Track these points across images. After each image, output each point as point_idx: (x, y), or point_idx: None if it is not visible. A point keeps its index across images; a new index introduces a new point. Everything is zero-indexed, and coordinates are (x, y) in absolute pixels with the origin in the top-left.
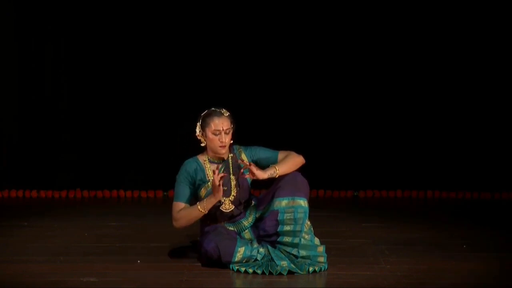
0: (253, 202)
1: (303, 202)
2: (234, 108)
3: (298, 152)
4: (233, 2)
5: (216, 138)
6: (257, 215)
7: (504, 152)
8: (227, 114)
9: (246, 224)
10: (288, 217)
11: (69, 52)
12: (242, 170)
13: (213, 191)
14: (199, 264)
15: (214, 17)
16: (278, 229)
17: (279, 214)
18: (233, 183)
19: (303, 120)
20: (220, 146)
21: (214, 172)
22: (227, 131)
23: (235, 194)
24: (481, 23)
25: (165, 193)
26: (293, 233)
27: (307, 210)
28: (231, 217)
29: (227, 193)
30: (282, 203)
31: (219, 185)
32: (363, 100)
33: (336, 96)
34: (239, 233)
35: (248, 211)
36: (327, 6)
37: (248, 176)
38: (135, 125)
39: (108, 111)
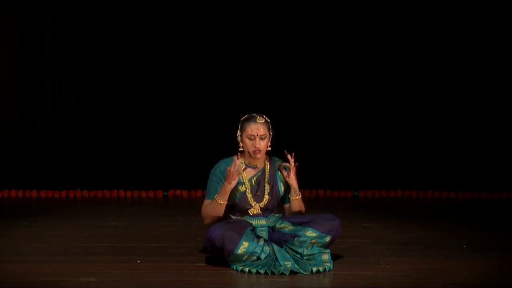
0: (277, 213)
1: (327, 239)
2: (234, 109)
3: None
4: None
5: (251, 142)
6: (278, 225)
7: (504, 152)
8: (262, 120)
9: (265, 223)
10: (308, 245)
11: (71, 52)
12: (284, 165)
13: (227, 177)
14: (199, 264)
15: (220, 21)
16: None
17: (301, 238)
18: (267, 191)
19: (303, 121)
20: (254, 151)
21: (235, 160)
22: (262, 137)
23: (266, 202)
24: (481, 23)
25: (165, 193)
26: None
27: (325, 244)
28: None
29: (259, 199)
30: (312, 234)
31: (236, 173)
32: (363, 101)
33: (336, 97)
34: (254, 228)
35: (271, 216)
36: (330, 10)
37: (285, 173)
38: (135, 125)
39: (108, 111)
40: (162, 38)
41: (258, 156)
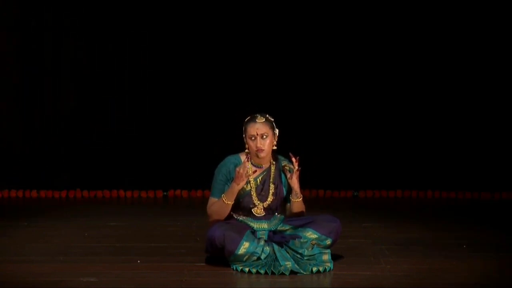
0: (279, 214)
1: (328, 241)
2: (234, 109)
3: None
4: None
5: (253, 143)
6: (280, 227)
7: (504, 152)
8: (262, 120)
9: (266, 227)
10: (309, 246)
11: (71, 52)
12: (289, 167)
13: (236, 178)
14: (199, 264)
15: (220, 22)
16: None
17: (302, 240)
18: (271, 191)
19: (303, 121)
20: (257, 150)
21: (245, 162)
22: (263, 136)
23: (270, 202)
24: (481, 23)
25: (165, 193)
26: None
27: (327, 246)
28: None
29: (263, 199)
30: (312, 235)
31: (245, 175)
32: (363, 101)
33: (336, 97)
34: (255, 231)
35: (274, 218)
36: (330, 11)
37: (288, 175)
38: (135, 125)
39: (108, 111)
40: (162, 38)
41: (262, 155)
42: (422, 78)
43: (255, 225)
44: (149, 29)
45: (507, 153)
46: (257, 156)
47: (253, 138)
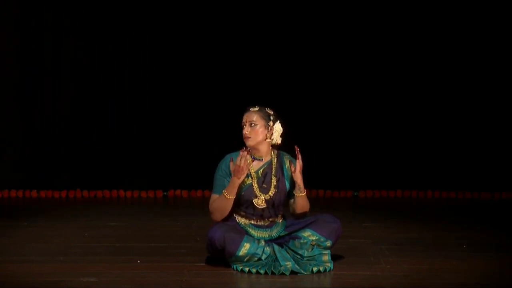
0: (281, 219)
1: (328, 243)
2: (234, 109)
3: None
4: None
5: (243, 131)
6: (281, 234)
7: (504, 152)
8: (255, 109)
9: (266, 236)
10: (309, 247)
11: (71, 52)
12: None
13: (236, 172)
14: (199, 264)
15: (220, 23)
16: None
17: (302, 240)
18: (273, 183)
19: (303, 121)
20: (244, 138)
21: (245, 153)
22: (252, 123)
23: (271, 194)
24: (481, 23)
25: (165, 193)
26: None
27: (327, 247)
28: (260, 219)
29: (265, 191)
30: (312, 237)
31: (245, 167)
32: (363, 101)
33: (337, 97)
34: (253, 236)
35: (275, 225)
36: (331, 12)
37: (292, 168)
38: (135, 125)
39: (108, 111)
40: (162, 38)
41: (248, 143)
42: (421, 78)
43: (255, 233)
44: (149, 29)
45: (507, 153)
46: (246, 144)
47: (243, 126)
